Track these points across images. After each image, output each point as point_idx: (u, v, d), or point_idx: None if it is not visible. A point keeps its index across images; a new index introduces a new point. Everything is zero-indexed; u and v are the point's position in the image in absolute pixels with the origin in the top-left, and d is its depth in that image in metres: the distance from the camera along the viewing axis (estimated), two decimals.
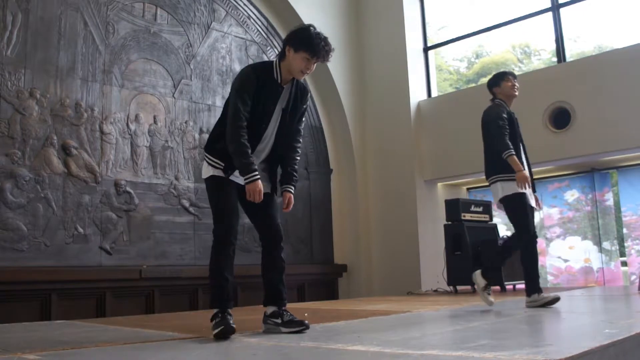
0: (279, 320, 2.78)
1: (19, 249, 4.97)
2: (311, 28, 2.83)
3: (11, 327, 3.63)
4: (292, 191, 2.92)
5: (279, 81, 2.83)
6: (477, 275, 3.86)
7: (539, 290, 3.80)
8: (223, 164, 2.79)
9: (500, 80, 4.03)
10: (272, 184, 2.93)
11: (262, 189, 2.70)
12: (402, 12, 7.84)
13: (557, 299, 3.77)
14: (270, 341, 2.47)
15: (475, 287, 3.94)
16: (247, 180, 2.67)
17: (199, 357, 2.18)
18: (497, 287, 6.11)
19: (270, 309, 2.82)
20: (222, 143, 2.77)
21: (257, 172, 2.68)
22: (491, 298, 3.84)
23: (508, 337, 2.34)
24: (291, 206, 2.91)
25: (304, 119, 3.01)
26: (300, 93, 2.92)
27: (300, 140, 3.00)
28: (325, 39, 2.80)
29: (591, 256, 7.21)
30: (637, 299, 4.41)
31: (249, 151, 2.70)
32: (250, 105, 2.74)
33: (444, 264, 6.52)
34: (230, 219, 2.76)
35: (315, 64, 2.83)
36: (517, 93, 4.05)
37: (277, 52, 7.38)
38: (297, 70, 2.80)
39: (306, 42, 2.77)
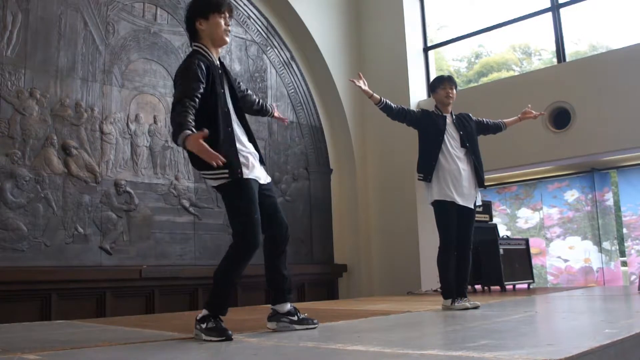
0: (295, 318, 2.79)
1: (19, 249, 4.97)
2: None
3: (11, 327, 3.63)
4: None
5: (217, 63, 2.71)
6: (444, 304, 3.93)
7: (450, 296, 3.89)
8: (226, 169, 2.53)
9: (435, 87, 4.14)
10: (261, 161, 2.80)
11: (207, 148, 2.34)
12: (402, 12, 7.84)
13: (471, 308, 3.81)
14: (270, 341, 2.47)
15: (443, 307, 3.94)
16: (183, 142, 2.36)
17: (199, 357, 2.17)
18: (497, 287, 6.12)
19: (286, 307, 2.79)
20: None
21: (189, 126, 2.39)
22: (467, 303, 3.85)
23: (508, 337, 2.34)
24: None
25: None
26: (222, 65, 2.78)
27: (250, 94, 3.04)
28: None
29: (591, 256, 7.22)
30: (637, 299, 4.41)
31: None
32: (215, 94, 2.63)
33: None
34: (259, 220, 2.59)
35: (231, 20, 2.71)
36: (450, 101, 4.12)
37: (277, 52, 7.41)
38: (221, 34, 2.68)
39: (212, 2, 2.66)
